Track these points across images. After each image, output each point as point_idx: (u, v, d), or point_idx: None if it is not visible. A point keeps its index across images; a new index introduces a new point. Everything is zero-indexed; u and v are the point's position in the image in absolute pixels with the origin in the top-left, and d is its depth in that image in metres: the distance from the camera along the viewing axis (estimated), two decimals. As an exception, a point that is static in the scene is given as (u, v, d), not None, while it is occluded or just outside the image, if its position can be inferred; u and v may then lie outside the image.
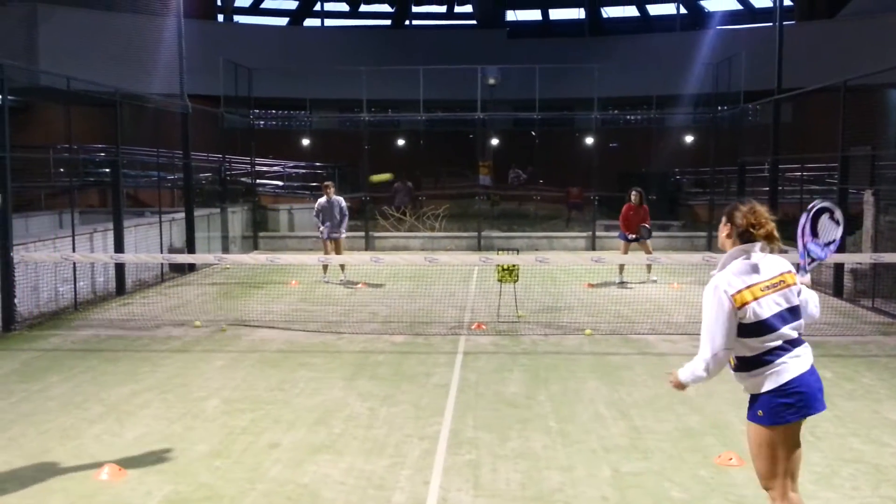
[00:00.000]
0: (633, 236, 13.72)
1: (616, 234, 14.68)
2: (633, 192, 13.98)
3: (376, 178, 15.48)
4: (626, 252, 13.69)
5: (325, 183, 14.41)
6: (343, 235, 14.25)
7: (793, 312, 3.79)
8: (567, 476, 5.26)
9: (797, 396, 3.68)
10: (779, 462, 3.73)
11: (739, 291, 3.72)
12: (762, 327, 3.71)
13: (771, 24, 18.05)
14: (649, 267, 14.07)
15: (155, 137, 16.56)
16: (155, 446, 5.86)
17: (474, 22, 38.06)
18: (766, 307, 3.72)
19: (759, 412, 3.75)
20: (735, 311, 3.70)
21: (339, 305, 11.85)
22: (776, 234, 3.84)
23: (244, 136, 21.46)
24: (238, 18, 36.57)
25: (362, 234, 20.66)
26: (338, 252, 13.98)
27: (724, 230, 3.91)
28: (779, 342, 3.73)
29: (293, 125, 26.21)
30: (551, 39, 34.77)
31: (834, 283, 12.58)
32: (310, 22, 37.98)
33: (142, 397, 7.14)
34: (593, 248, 19.77)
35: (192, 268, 15.69)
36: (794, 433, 3.75)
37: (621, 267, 13.99)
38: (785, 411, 3.68)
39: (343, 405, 6.89)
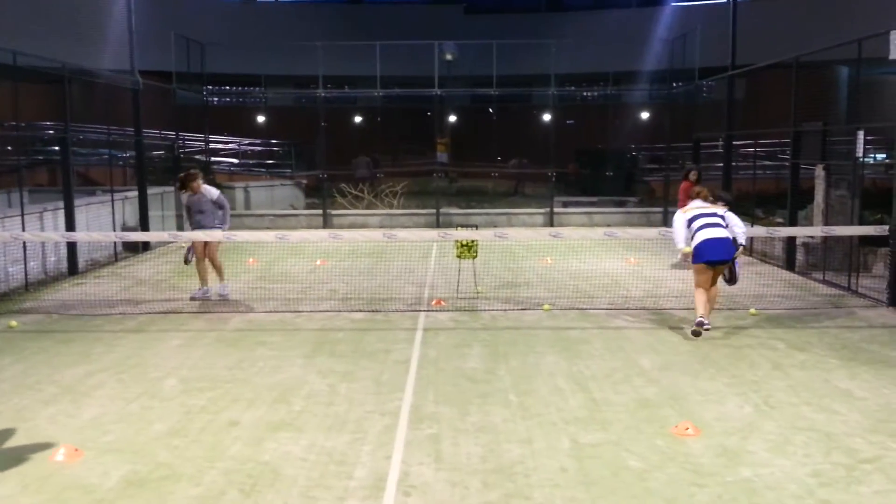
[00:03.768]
0: None
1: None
2: (693, 171, 13.41)
3: None
4: None
5: (190, 172, 11.00)
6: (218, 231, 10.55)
7: (713, 220, 8.54)
8: (527, 448, 5.31)
9: (704, 251, 8.37)
10: (698, 279, 8.49)
11: (688, 209, 8.81)
12: (693, 221, 8.59)
13: (726, 0, 18.15)
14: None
15: (105, 114, 16.18)
16: (111, 426, 5.78)
17: (431, -4, 37.67)
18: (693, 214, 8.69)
19: (694, 255, 8.52)
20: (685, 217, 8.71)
21: (297, 283, 11.76)
22: (704, 194, 9.06)
23: (197, 113, 21.11)
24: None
25: (320, 211, 20.54)
26: (212, 255, 10.68)
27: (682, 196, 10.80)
28: (700, 226, 8.50)
29: (248, 102, 25.87)
30: (508, 15, 34.66)
31: (786, 257, 12.82)
32: (264, -4, 37.24)
33: (97, 378, 7.03)
34: (551, 224, 19.88)
35: (146, 247, 15.45)
36: (704, 269, 8.42)
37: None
38: (698, 257, 8.42)
39: (303, 382, 6.86)
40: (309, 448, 5.35)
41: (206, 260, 10.73)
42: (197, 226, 10.65)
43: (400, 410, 6.10)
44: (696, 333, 8.25)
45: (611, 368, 7.22)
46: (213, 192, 10.76)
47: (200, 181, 10.76)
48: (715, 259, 8.39)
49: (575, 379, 6.90)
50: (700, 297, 8.43)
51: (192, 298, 10.60)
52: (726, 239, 8.43)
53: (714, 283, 8.59)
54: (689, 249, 8.60)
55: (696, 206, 8.83)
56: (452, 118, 27.59)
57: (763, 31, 21.88)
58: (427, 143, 24.29)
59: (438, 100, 21.44)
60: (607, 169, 25.17)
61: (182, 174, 11.10)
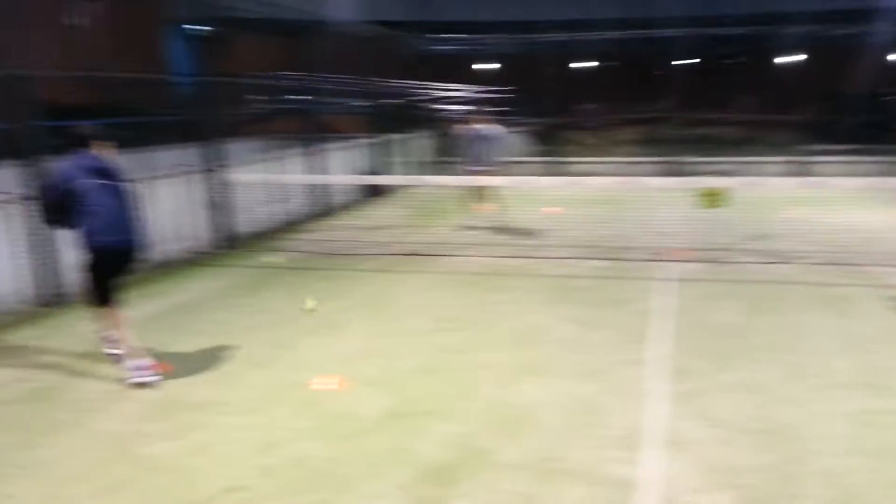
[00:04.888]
0: None
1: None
2: None
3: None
4: None
5: (474, 110, 12.54)
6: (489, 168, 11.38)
7: None
8: (801, 410, 4.87)
9: None
10: None
11: None
12: None
13: None
14: None
15: (339, 64, 16.85)
16: (368, 360, 6.01)
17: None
18: None
19: None
20: None
21: (533, 230, 11.67)
22: None
23: (424, 62, 21.45)
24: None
25: (550, 159, 20.38)
26: (482, 188, 11.86)
27: None
28: None
29: (474, 49, 25.99)
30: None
31: None
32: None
33: (351, 314, 7.35)
34: (798, 174, 18.33)
35: (385, 191, 16.01)
36: None
37: None
38: None
39: (547, 328, 6.76)
40: (562, 395, 5.24)
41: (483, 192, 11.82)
42: (473, 157, 11.64)
43: (652, 362, 5.84)
44: None
45: (887, 330, 6.49)
46: (496, 129, 11.90)
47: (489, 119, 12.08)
48: None
49: (845, 339, 6.27)
50: None
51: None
52: None
53: None
54: None
55: None
56: (685, 61, 26.16)
57: None
58: (658, 89, 23.21)
59: (670, 42, 20.31)
60: (863, 115, 22.82)
61: (473, 115, 12.39)
